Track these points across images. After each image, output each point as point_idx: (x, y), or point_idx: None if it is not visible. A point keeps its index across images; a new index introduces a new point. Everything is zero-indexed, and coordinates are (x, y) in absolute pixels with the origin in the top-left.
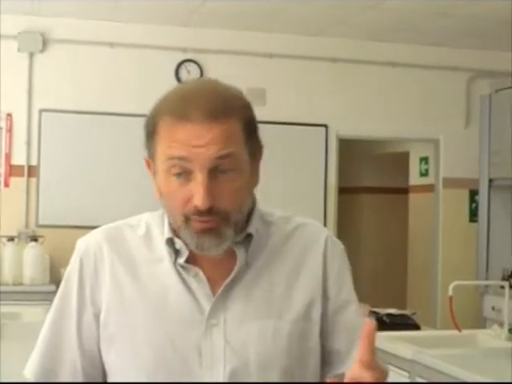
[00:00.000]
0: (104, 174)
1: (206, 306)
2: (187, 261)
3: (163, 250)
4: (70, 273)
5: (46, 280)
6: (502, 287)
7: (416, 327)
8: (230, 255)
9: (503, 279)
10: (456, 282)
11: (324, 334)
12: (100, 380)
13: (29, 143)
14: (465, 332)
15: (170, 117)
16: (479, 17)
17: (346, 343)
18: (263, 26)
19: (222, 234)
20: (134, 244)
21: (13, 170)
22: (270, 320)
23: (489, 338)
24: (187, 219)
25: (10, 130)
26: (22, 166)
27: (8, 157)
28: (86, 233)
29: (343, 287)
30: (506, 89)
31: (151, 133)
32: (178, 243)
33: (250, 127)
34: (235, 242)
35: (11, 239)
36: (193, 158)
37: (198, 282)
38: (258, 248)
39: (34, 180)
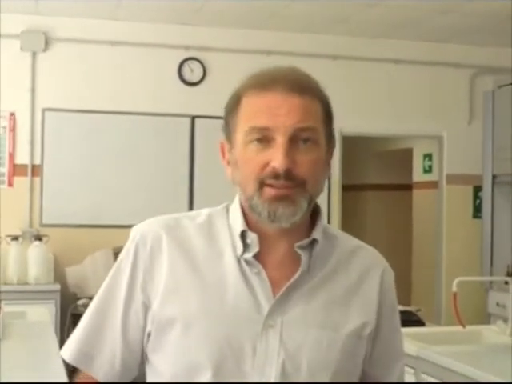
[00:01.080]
0: (108, 172)
1: (265, 305)
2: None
3: (225, 241)
4: (123, 259)
5: (50, 279)
6: (507, 283)
7: (420, 324)
8: (294, 259)
9: (507, 275)
10: (460, 278)
11: (366, 358)
12: (135, 369)
13: (32, 142)
14: (469, 328)
15: (253, 89)
16: (482, 13)
17: (383, 368)
18: (266, 24)
19: (296, 202)
20: (193, 233)
21: (16, 170)
22: (326, 330)
23: (493, 334)
24: (261, 186)
25: (13, 130)
26: (26, 166)
27: (11, 156)
28: (89, 232)
29: (394, 317)
30: (509, 85)
31: (234, 107)
32: (250, 237)
33: (329, 113)
34: (300, 246)
35: (15, 238)
36: (274, 126)
37: (260, 280)
38: (321, 257)
39: (37, 179)
